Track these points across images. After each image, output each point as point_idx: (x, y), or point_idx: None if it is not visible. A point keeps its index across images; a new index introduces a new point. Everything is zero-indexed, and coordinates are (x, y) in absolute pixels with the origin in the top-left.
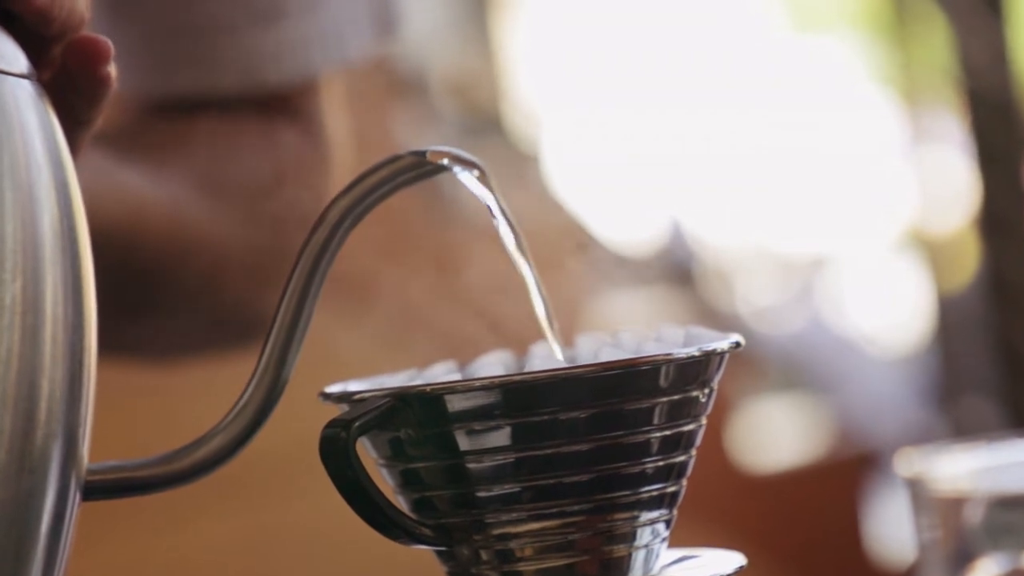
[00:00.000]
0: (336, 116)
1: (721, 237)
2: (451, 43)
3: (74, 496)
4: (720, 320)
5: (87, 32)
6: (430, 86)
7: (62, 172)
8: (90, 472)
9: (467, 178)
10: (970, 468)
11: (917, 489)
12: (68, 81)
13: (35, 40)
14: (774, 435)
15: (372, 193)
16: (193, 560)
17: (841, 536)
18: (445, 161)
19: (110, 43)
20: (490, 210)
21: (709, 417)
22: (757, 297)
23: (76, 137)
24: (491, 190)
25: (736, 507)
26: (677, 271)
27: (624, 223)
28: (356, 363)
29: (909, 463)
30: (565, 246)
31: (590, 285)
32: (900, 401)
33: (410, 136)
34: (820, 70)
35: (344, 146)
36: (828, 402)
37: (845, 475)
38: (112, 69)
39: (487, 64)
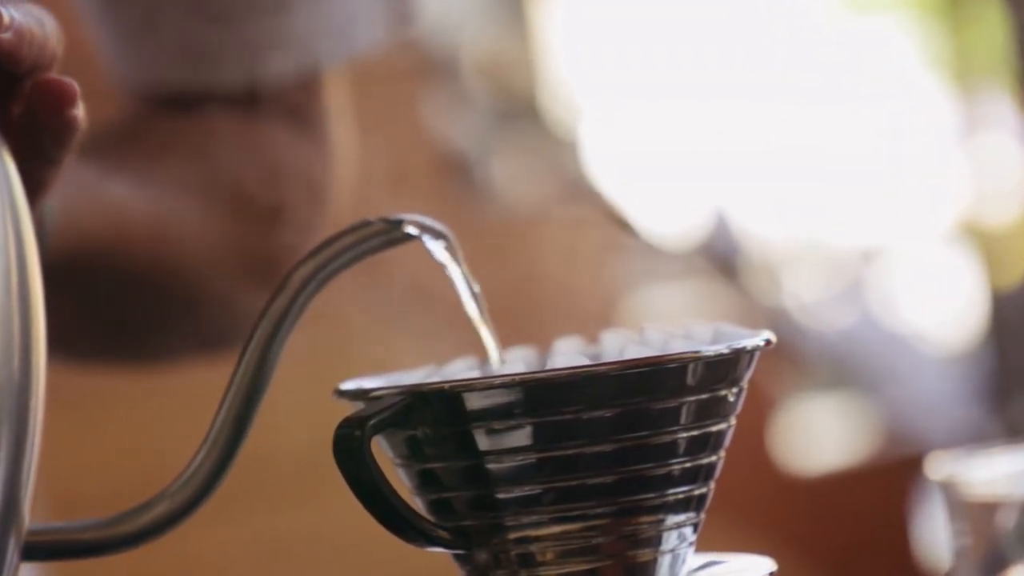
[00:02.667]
0: (342, 116)
1: (767, 228)
2: (484, 23)
3: (12, 557)
4: (765, 315)
5: (54, 74)
6: (461, 68)
7: (17, 223)
8: (31, 533)
9: (435, 248)
10: (1004, 472)
11: (950, 493)
12: (35, 120)
13: (2, 76)
14: (819, 436)
15: (336, 259)
16: (202, 566)
17: (888, 542)
18: (413, 230)
19: (76, 86)
20: (455, 283)
21: (750, 417)
22: (804, 292)
23: (45, 176)
24: (457, 262)
25: (778, 510)
26: (721, 264)
27: (665, 213)
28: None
29: (942, 466)
30: (601, 236)
31: (628, 278)
32: (951, 401)
33: (439, 121)
34: (872, 55)
35: (348, 147)
36: (876, 402)
37: (893, 478)
38: (80, 111)
39: (522, 46)
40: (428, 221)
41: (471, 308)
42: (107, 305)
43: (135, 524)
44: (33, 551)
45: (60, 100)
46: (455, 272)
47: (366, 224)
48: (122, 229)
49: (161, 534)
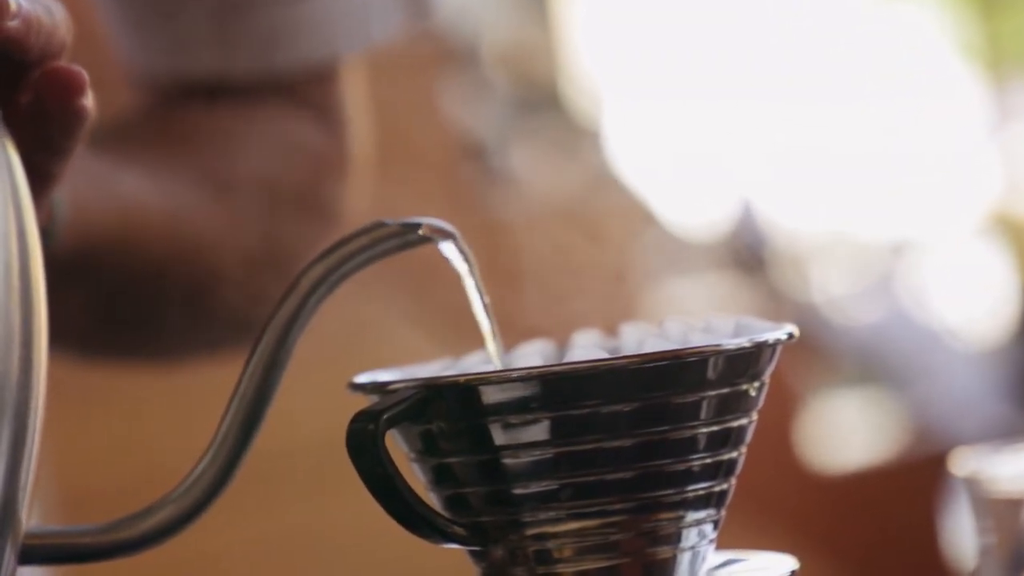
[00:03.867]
0: (359, 107)
1: (794, 220)
2: (504, 10)
3: (9, 560)
4: (792, 309)
5: (63, 63)
6: (481, 57)
7: (20, 218)
8: (28, 536)
9: (450, 252)
10: None
11: (974, 490)
12: (43, 110)
13: (9, 66)
14: (846, 432)
15: (348, 261)
16: (211, 563)
17: (915, 541)
18: (426, 233)
19: (85, 74)
20: (467, 288)
21: (775, 413)
22: (832, 285)
23: (53, 167)
24: (470, 267)
25: (803, 508)
26: (747, 256)
27: (690, 205)
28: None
29: (966, 462)
30: (625, 228)
31: (652, 270)
32: (982, 397)
33: (458, 110)
34: (902, 44)
35: (366, 139)
36: (905, 398)
37: (921, 476)
38: (88, 100)
39: (543, 34)
40: (443, 224)
41: (480, 315)
42: (119, 301)
43: (136, 529)
44: (30, 554)
45: (68, 89)
46: (467, 278)
47: (379, 226)
48: (135, 223)
49: (162, 540)
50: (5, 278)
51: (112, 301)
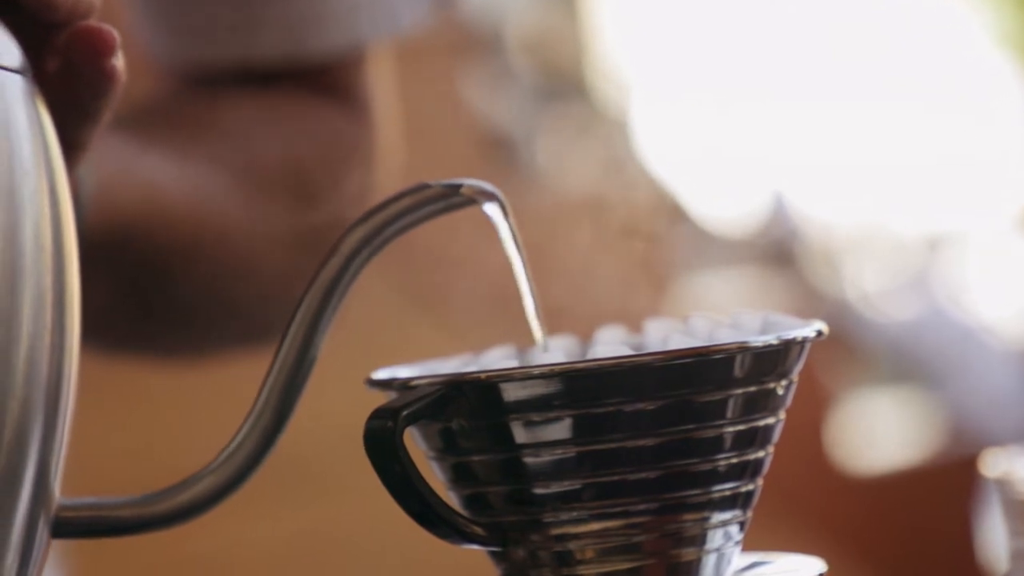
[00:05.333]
0: (385, 92)
1: (827, 213)
2: None
3: (42, 533)
4: (824, 305)
5: (93, 22)
6: (506, 44)
7: (52, 177)
8: (62, 508)
9: (493, 213)
10: None
11: (1005, 491)
12: (73, 73)
13: (37, 28)
14: (879, 432)
15: (391, 224)
16: (225, 563)
17: (948, 545)
18: (471, 194)
19: (116, 34)
20: (507, 251)
21: (806, 412)
22: (866, 280)
23: (84, 132)
24: (512, 231)
25: (834, 510)
26: (778, 250)
27: (720, 196)
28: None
29: (997, 463)
30: (652, 221)
31: (680, 264)
32: (1021, 397)
33: (482, 99)
34: (939, 33)
35: (393, 126)
36: (941, 397)
37: (956, 478)
38: (119, 61)
39: (569, 21)
40: (486, 186)
41: (521, 280)
42: (143, 287)
43: (174, 502)
44: (64, 527)
45: (98, 48)
46: (509, 241)
47: (422, 187)
48: (159, 206)
49: (200, 513)
50: (36, 237)
51: (136, 288)
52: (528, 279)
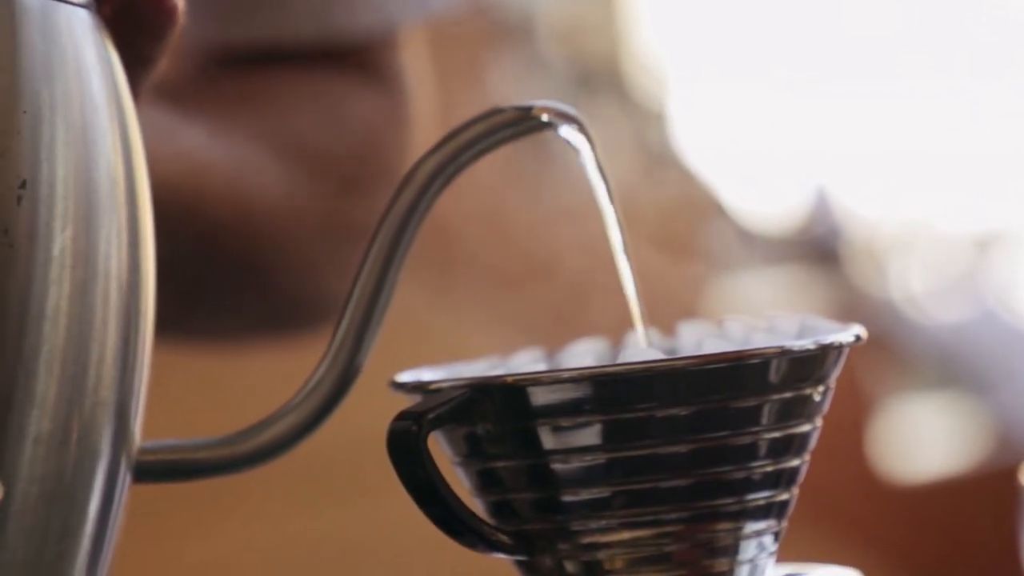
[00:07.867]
0: (419, 73)
1: (873, 211)
2: None
3: (124, 476)
4: (868, 307)
5: None
6: (536, 31)
7: (121, 114)
8: (143, 451)
9: (572, 136)
10: None
11: None
12: (130, 14)
13: None
14: (924, 440)
15: (465, 151)
16: (246, 566)
17: (994, 556)
18: (546, 117)
19: None
20: (587, 173)
21: (848, 418)
22: (912, 281)
23: (137, 78)
24: (594, 151)
25: (874, 520)
26: (820, 249)
27: (761, 192)
28: (442, 344)
29: None
30: (689, 217)
31: (718, 263)
32: None
33: (510, 88)
34: (987, 16)
35: (427, 107)
36: (988, 403)
37: (1002, 487)
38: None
39: (603, 7)
40: (563, 107)
41: (605, 203)
42: (182, 265)
43: (254, 443)
44: (146, 471)
45: None
46: (591, 166)
47: (496, 112)
48: (201, 179)
49: (282, 452)
50: (110, 173)
51: (176, 266)
52: (613, 203)
